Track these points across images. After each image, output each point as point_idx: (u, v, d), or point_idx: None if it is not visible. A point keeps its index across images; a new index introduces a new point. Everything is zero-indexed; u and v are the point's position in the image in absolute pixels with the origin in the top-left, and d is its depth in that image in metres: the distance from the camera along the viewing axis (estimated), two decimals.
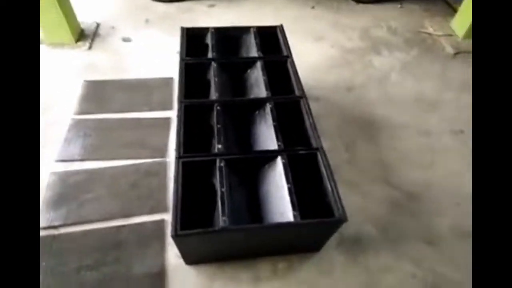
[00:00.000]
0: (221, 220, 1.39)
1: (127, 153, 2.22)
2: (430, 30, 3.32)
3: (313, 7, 3.59)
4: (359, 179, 2.17)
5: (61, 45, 2.91)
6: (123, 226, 1.87)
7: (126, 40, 3.09)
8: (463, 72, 2.94)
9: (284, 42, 2.28)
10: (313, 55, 3.01)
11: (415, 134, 2.45)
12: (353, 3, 3.69)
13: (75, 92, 2.58)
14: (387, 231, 1.94)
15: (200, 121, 1.85)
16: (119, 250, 1.78)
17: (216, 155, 1.63)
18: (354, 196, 2.08)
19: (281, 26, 2.39)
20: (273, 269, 1.74)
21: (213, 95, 1.92)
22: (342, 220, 1.42)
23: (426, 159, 2.30)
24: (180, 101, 1.85)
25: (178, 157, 1.60)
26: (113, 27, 3.19)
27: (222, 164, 1.59)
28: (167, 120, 2.44)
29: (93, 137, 2.30)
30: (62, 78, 2.68)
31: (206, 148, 1.76)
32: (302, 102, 1.90)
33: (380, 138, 2.41)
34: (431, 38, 3.27)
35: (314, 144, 1.71)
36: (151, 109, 2.52)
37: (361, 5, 3.67)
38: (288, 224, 1.41)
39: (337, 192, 1.51)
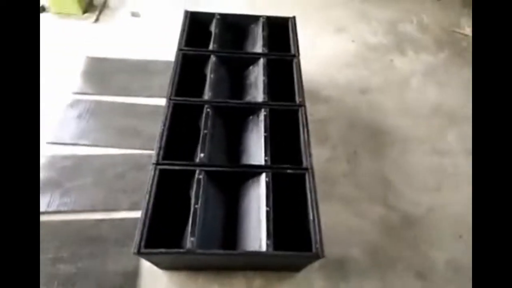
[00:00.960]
0: (188, 241, 1.30)
1: (119, 141, 2.15)
2: (467, 30, 2.95)
3: None
4: (355, 196, 2.01)
5: (67, 15, 2.80)
6: (104, 220, 1.83)
7: (134, 15, 2.93)
8: None
9: (294, 38, 2.06)
10: (329, 49, 2.76)
11: (427, 151, 2.23)
12: None
13: (77, 68, 2.49)
14: (376, 257, 1.81)
15: (188, 122, 1.73)
16: (96, 245, 1.75)
17: (197, 165, 1.52)
18: (346, 214, 1.94)
19: (293, 19, 2.16)
20: (247, 286, 1.67)
21: (206, 94, 1.77)
22: (319, 256, 1.31)
23: (434, 181, 2.10)
24: (168, 98, 1.73)
25: (156, 163, 1.50)
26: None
27: (201, 176, 1.48)
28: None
29: (88, 121, 2.23)
30: (65, 51, 2.59)
31: (190, 155, 1.65)
32: (300, 112, 1.73)
33: (387, 151, 2.21)
34: (466, 40, 2.91)
35: (304, 163, 1.56)
36: (150, 95, 2.41)
37: None
38: (259, 253, 1.31)
39: (319, 223, 1.38)
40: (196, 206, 1.39)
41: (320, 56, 2.71)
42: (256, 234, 1.40)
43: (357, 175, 2.09)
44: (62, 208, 1.85)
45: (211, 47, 2.00)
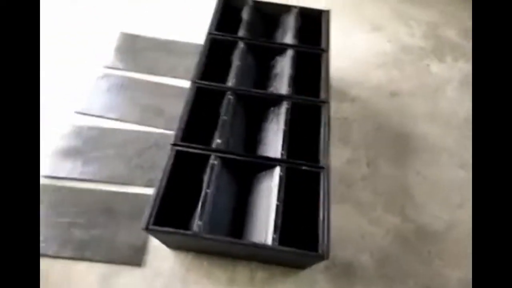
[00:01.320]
0: (196, 224, 1.31)
1: (142, 118, 2.18)
2: None
3: None
4: (371, 201, 1.95)
5: None
6: (120, 193, 1.88)
7: None
8: None
9: (326, 32, 2.00)
10: (363, 47, 2.65)
11: (454, 164, 2.11)
12: None
13: (111, 43, 2.54)
14: (385, 267, 1.75)
15: (210, 107, 1.72)
16: (110, 215, 1.81)
17: (212, 150, 1.51)
18: (360, 219, 1.88)
19: (328, 13, 2.09)
20: (251, 276, 1.66)
21: (230, 81, 1.76)
22: (323, 257, 1.28)
23: (457, 197, 1.99)
24: (193, 81, 1.73)
25: (174, 144, 1.51)
26: None
27: (215, 162, 1.48)
28: None
29: (116, 95, 2.28)
30: (101, 26, 2.65)
31: (208, 139, 1.65)
32: (323, 109, 1.68)
33: (411, 159, 2.12)
34: None
35: (321, 161, 1.52)
36: (176, 76, 2.42)
37: None
38: (264, 246, 1.29)
39: (328, 224, 1.34)
40: (207, 190, 1.39)
41: (353, 54, 2.61)
42: (263, 227, 1.39)
43: (376, 181, 2.02)
44: (82, 177, 1.91)
45: (240, 33, 1.97)
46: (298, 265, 1.63)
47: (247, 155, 1.55)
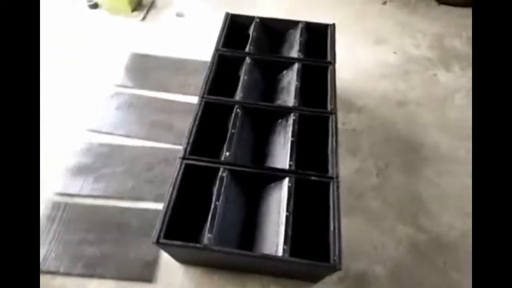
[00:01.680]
0: (206, 237, 1.31)
1: (151, 134, 2.23)
2: None
3: (384, 3, 3.18)
4: (382, 211, 1.93)
5: (117, 12, 2.97)
6: (130, 208, 1.90)
7: (179, 15, 3.04)
8: None
9: (332, 45, 2.04)
10: (368, 60, 2.68)
11: (466, 173, 2.08)
12: (434, 3, 3.18)
13: (121, 62, 2.63)
14: (400, 279, 1.71)
15: (218, 121, 1.75)
16: (120, 231, 1.82)
17: (221, 163, 1.53)
18: (371, 229, 1.86)
19: (333, 26, 2.13)
20: None
21: (238, 95, 1.79)
22: (335, 268, 1.26)
23: (470, 206, 1.95)
24: (201, 96, 1.77)
25: (182, 158, 1.53)
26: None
27: (224, 174, 1.49)
28: None
29: (126, 113, 2.34)
30: (113, 45, 2.74)
31: (216, 152, 1.67)
32: (331, 119, 1.70)
33: (422, 168, 2.10)
34: None
35: (330, 171, 1.52)
36: (185, 93, 2.48)
37: (443, 7, 3.15)
38: (275, 258, 1.28)
39: (339, 234, 1.33)
40: (217, 203, 1.40)
41: (359, 65, 2.64)
42: (274, 239, 1.38)
43: (386, 190, 2.00)
44: (93, 193, 1.95)
45: (247, 49, 2.02)
46: (311, 278, 1.61)
47: (256, 167, 1.56)
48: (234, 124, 1.67)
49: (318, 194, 1.49)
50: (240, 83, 1.86)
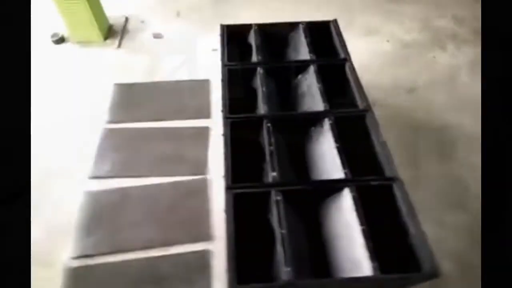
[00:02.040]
0: (283, 271, 1.19)
1: (163, 169, 2.05)
2: None
3: None
4: (428, 203, 1.89)
5: (88, 43, 2.77)
6: (163, 256, 1.71)
7: (157, 36, 2.90)
8: None
9: (340, 41, 2.00)
10: (363, 52, 2.70)
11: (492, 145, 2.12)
12: None
13: (106, 97, 2.43)
14: (471, 271, 1.67)
15: (248, 140, 1.64)
16: (160, 285, 1.63)
17: (271, 185, 1.42)
18: (424, 224, 1.81)
19: (335, 22, 2.11)
20: None
21: (261, 108, 1.69)
22: (436, 274, 1.18)
23: None
24: (225, 117, 1.65)
25: (228, 188, 1.40)
26: (142, 21, 3.01)
27: (279, 198, 1.37)
28: (205, 129, 2.25)
29: (127, 150, 2.14)
30: (92, 80, 2.54)
31: (257, 174, 1.55)
32: (368, 117, 1.64)
33: (453, 151, 2.11)
34: None
35: (387, 173, 1.46)
36: (187, 117, 2.33)
37: None
38: (368, 279, 1.18)
39: (424, 237, 1.26)
40: (283, 231, 1.28)
41: (355, 58, 2.63)
42: (351, 257, 1.28)
43: (425, 180, 1.98)
44: (116, 248, 1.74)
45: (254, 59, 1.93)
46: None
47: (310, 183, 1.46)
48: (269, 140, 1.56)
49: (381, 200, 1.42)
50: (259, 96, 1.76)
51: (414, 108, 2.33)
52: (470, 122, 2.23)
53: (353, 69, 1.87)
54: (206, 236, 1.78)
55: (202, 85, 2.53)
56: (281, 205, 1.36)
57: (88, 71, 2.59)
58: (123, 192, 1.95)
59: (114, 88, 2.50)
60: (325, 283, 1.21)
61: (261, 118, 1.65)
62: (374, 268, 1.18)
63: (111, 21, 2.93)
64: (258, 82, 1.81)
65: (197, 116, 2.34)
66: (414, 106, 2.34)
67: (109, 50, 2.75)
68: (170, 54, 2.73)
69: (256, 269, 1.27)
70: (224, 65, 1.89)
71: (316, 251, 1.41)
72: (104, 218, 1.84)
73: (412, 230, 1.29)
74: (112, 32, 2.89)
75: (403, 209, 1.35)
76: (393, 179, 1.43)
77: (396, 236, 1.34)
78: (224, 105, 1.71)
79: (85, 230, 1.79)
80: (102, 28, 2.77)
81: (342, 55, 1.95)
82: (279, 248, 1.25)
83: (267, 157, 1.51)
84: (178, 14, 3.10)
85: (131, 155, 2.12)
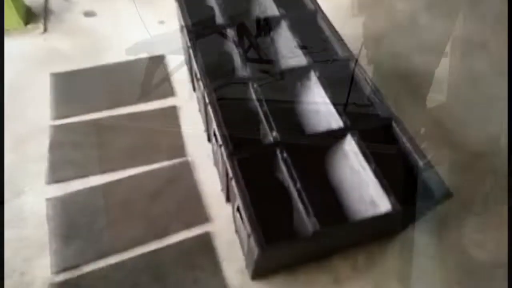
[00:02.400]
0: (309, 223, 1.29)
1: (135, 159, 2.02)
2: None
3: None
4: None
5: (7, 31, 2.55)
6: (158, 250, 1.72)
7: (88, 14, 2.77)
8: None
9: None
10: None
11: (462, 83, 2.43)
12: None
13: (44, 89, 2.29)
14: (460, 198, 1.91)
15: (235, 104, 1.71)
16: (162, 280, 1.64)
17: (275, 145, 1.51)
18: None
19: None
20: (353, 265, 1.68)
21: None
22: (450, 195, 1.38)
23: (488, 111, 2.28)
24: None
25: (230, 154, 1.46)
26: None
27: (285, 155, 1.47)
28: (173, 109, 2.25)
29: (86, 146, 2.06)
30: (22, 74, 2.37)
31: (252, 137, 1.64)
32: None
33: (427, 93, 2.38)
34: None
35: (383, 113, 1.63)
36: (148, 99, 2.30)
37: None
38: (388, 214, 1.34)
39: (432, 166, 1.45)
40: (297, 186, 1.38)
41: None
42: (367, 195, 1.44)
43: (409, 122, 2.20)
44: (102, 253, 1.69)
45: (220, 20, 1.98)
46: (391, 230, 1.71)
47: (313, 136, 1.60)
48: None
49: (381, 140, 1.59)
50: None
51: (381, 57, 2.56)
52: (436, 64, 2.51)
53: (327, 20, 1.99)
54: (201, 218, 1.81)
55: (157, 61, 2.50)
56: (289, 162, 1.46)
57: (14, 64, 2.40)
58: (92, 191, 1.89)
59: (51, 78, 2.37)
60: (350, 226, 1.34)
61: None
62: (393, 203, 1.34)
63: (27, 3, 2.73)
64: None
65: (159, 96, 2.32)
66: (381, 55, 2.57)
67: (34, 36, 2.58)
68: (111, 33, 2.64)
69: (275, 228, 1.35)
70: (189, 31, 1.91)
71: (328, 199, 1.55)
72: (78, 223, 1.78)
73: (420, 163, 1.46)
74: (31, 15, 2.70)
75: (408, 145, 1.53)
76: (391, 118, 1.60)
77: (402, 172, 1.52)
78: (201, 74, 1.73)
79: (61, 240, 1.72)
80: (20, 11, 2.58)
81: (312, 7, 2.06)
82: (298, 202, 1.35)
83: (263, 118, 1.59)
84: None
85: (93, 150, 2.05)
